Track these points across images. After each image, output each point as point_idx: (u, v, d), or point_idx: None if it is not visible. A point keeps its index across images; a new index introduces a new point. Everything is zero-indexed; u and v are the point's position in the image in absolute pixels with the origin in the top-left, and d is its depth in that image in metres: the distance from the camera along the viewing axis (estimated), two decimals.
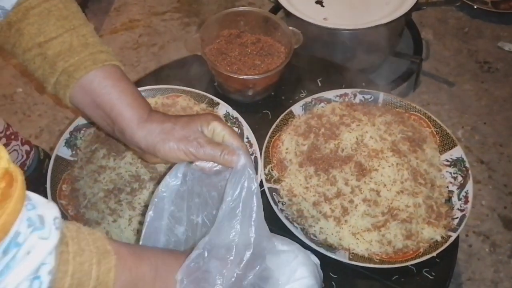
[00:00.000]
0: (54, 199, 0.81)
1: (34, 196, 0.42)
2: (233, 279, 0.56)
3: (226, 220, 0.56)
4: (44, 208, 0.42)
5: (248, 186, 0.57)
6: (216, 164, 0.62)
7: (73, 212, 0.81)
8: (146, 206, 0.79)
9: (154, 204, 0.60)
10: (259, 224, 0.58)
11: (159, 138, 0.61)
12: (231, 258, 0.56)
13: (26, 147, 1.27)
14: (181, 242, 0.64)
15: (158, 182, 0.81)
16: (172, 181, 0.61)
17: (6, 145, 1.17)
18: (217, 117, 0.65)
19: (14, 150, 1.22)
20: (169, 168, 0.63)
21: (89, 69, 0.63)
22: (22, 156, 1.25)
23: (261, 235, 0.59)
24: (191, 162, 0.62)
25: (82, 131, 0.91)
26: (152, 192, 0.80)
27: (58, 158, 0.86)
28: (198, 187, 0.63)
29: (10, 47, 0.65)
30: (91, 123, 0.91)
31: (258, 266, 0.59)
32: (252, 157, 0.89)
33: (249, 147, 0.90)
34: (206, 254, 0.55)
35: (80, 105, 0.66)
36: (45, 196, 0.80)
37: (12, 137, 1.21)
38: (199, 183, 0.63)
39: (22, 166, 1.26)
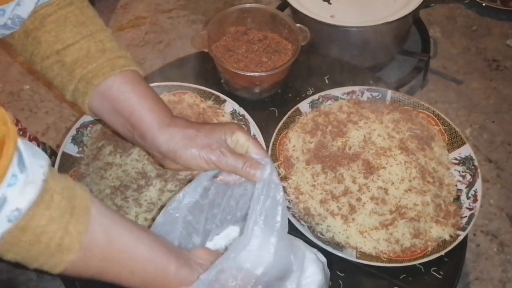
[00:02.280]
0: None
1: (23, 148, 0.43)
2: None
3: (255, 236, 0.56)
4: (31, 158, 0.43)
5: (273, 196, 0.57)
6: (239, 177, 0.60)
7: None
8: (152, 203, 0.79)
9: (166, 213, 0.59)
10: (282, 236, 0.58)
11: (181, 144, 0.60)
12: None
13: (34, 144, 1.27)
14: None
15: (165, 180, 0.81)
16: (191, 193, 0.59)
17: None
18: (240, 127, 0.63)
19: None
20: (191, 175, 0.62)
21: (107, 75, 0.62)
22: None
23: (283, 249, 0.58)
24: (214, 175, 0.61)
25: (89, 128, 0.91)
26: (159, 189, 0.80)
27: (64, 155, 0.86)
28: (219, 199, 0.63)
29: (28, 56, 0.65)
30: (98, 120, 0.91)
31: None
32: None
33: None
34: (227, 273, 0.55)
35: (99, 112, 0.64)
36: None
37: (21, 133, 1.21)
38: (220, 195, 0.62)
39: None
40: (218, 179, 0.61)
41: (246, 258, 0.55)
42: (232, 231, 0.68)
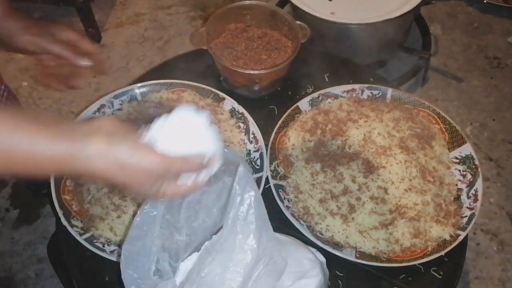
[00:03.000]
0: (58, 194, 0.81)
1: None
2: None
3: (233, 227, 0.55)
4: None
5: (247, 190, 0.56)
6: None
7: (77, 207, 0.81)
8: None
9: (142, 213, 0.58)
10: (262, 227, 0.57)
11: (19, 31, 0.73)
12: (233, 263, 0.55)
13: None
14: (181, 248, 0.63)
15: None
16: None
17: None
18: (68, 28, 0.77)
19: None
20: None
21: None
22: None
23: (267, 239, 0.58)
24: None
25: None
26: None
27: None
28: (198, 196, 0.62)
29: None
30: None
31: (262, 266, 0.58)
32: (258, 153, 0.88)
33: (255, 143, 0.89)
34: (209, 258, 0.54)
35: None
36: (49, 191, 0.80)
37: None
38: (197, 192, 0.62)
39: None
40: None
41: (227, 257, 0.54)
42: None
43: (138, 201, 0.79)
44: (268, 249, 0.58)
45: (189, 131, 0.51)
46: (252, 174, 0.85)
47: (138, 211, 0.59)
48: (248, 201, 0.55)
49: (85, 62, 0.75)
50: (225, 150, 0.58)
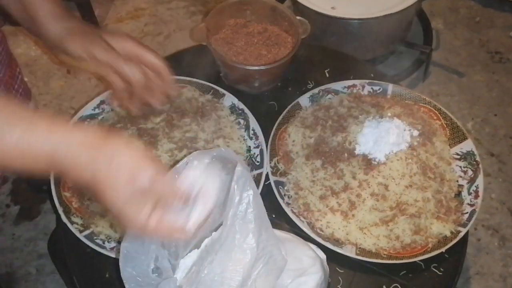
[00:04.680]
0: (58, 191, 0.80)
1: None
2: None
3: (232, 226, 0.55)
4: None
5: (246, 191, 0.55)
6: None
7: (77, 204, 0.81)
8: None
9: None
10: (261, 225, 0.57)
11: (68, 34, 0.68)
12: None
13: None
14: (180, 246, 0.63)
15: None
16: None
17: None
18: (131, 38, 0.72)
19: None
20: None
21: None
22: None
23: (266, 238, 0.57)
24: None
25: (86, 123, 0.90)
26: None
27: None
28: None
29: None
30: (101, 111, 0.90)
31: (262, 265, 0.58)
32: (258, 149, 0.87)
33: (255, 139, 0.89)
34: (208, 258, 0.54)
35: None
36: (49, 188, 0.80)
37: None
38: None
39: None
40: None
41: (227, 257, 0.54)
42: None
43: None
44: (268, 247, 0.57)
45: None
46: (251, 172, 0.85)
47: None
48: (246, 200, 0.54)
49: (135, 71, 0.68)
50: (222, 148, 0.58)
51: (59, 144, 0.47)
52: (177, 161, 0.60)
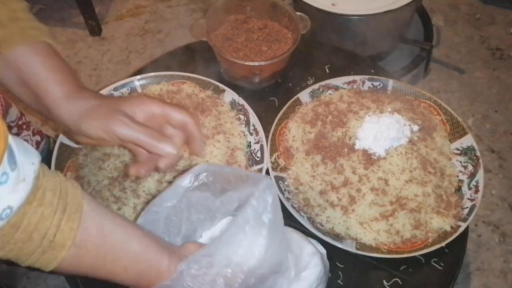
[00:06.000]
0: None
1: (14, 145, 0.42)
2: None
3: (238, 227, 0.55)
4: (22, 156, 0.42)
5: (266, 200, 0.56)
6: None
7: None
8: (150, 194, 0.79)
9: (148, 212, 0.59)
10: (275, 228, 0.57)
11: (83, 115, 0.58)
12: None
13: (37, 137, 1.26)
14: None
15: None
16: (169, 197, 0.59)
17: (17, 134, 1.17)
18: (153, 99, 0.61)
19: (25, 140, 1.21)
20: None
21: (16, 44, 0.58)
22: (32, 146, 1.25)
23: (277, 242, 0.57)
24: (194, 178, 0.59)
25: None
26: (157, 180, 0.79)
27: (62, 145, 0.85)
28: (200, 206, 0.63)
29: None
30: None
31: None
32: (258, 145, 0.88)
33: (255, 135, 0.89)
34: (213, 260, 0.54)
35: (4, 81, 0.61)
36: None
37: (24, 126, 1.20)
38: (201, 201, 0.62)
39: None
40: (195, 184, 0.59)
41: (234, 252, 0.54)
42: (225, 224, 0.67)
43: (138, 193, 0.79)
44: (275, 255, 0.58)
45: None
46: (252, 167, 0.85)
47: (142, 212, 0.58)
48: (263, 204, 0.54)
49: (169, 149, 0.58)
50: (241, 170, 0.58)
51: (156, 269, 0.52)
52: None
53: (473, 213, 0.79)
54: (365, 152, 0.83)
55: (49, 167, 0.82)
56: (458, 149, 0.88)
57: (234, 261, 0.53)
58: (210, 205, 0.62)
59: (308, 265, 0.68)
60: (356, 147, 0.83)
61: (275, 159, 0.86)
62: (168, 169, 0.68)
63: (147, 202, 0.77)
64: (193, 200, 0.60)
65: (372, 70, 1.01)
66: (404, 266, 0.77)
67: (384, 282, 0.76)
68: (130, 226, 0.52)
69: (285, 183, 0.84)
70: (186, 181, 0.57)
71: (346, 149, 0.84)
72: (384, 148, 0.82)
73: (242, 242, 0.54)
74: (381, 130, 0.83)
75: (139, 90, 0.95)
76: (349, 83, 0.96)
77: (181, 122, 0.62)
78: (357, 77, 0.97)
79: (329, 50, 1.08)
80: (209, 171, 0.57)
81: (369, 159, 0.82)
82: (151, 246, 0.52)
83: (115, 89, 0.94)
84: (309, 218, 0.80)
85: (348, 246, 0.75)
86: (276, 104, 0.97)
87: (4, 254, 0.44)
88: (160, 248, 0.53)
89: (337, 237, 0.78)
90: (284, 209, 0.79)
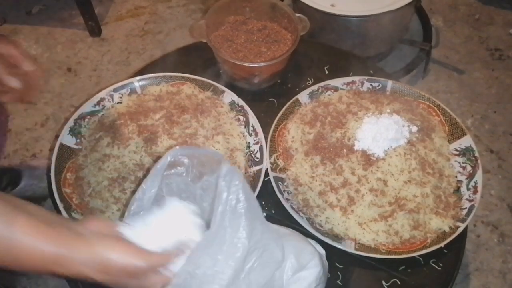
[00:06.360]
0: (59, 187, 0.81)
1: None
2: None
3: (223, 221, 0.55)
4: None
5: (234, 185, 0.55)
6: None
7: (77, 200, 0.81)
8: None
9: (129, 215, 0.58)
10: (253, 217, 0.57)
11: None
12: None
13: None
14: None
15: None
16: (149, 187, 0.58)
17: None
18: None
19: None
20: None
21: None
22: None
23: (259, 231, 0.57)
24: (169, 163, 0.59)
25: (87, 119, 0.90)
26: None
27: (62, 146, 0.85)
28: (184, 193, 0.62)
29: None
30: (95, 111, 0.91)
31: (255, 258, 0.58)
32: (258, 145, 0.88)
33: (254, 136, 0.89)
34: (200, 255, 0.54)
35: None
36: (50, 185, 0.80)
37: None
38: (182, 187, 0.62)
39: None
40: (172, 171, 0.60)
41: (218, 250, 0.54)
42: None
43: None
44: (262, 241, 0.57)
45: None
46: (251, 168, 0.85)
47: (126, 213, 0.58)
48: (235, 195, 0.54)
49: (13, 83, 0.64)
50: (206, 149, 0.58)
51: (60, 255, 0.49)
52: None
53: (472, 214, 0.79)
54: (364, 153, 0.83)
55: (49, 168, 0.83)
56: (456, 150, 0.88)
57: (219, 258, 0.53)
58: (192, 191, 0.62)
59: (307, 266, 0.68)
60: (355, 148, 0.84)
61: (274, 160, 0.87)
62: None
63: None
64: (173, 187, 0.60)
65: (371, 71, 1.01)
66: (403, 267, 0.77)
67: (383, 282, 0.76)
68: (13, 214, 0.49)
69: (284, 183, 0.84)
70: (162, 162, 0.58)
71: (345, 150, 0.84)
72: (383, 149, 0.82)
73: (224, 238, 0.54)
74: (380, 131, 0.83)
75: (139, 91, 0.95)
76: (348, 84, 0.97)
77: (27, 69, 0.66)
78: (356, 78, 0.97)
79: (328, 51, 1.08)
80: (183, 154, 0.59)
81: (368, 160, 0.82)
82: (36, 236, 0.48)
83: (115, 90, 0.94)
84: (308, 219, 0.80)
85: (347, 247, 0.76)
86: (276, 105, 0.98)
87: None
88: (49, 236, 0.49)
89: (336, 237, 0.78)
90: (283, 209, 0.79)
